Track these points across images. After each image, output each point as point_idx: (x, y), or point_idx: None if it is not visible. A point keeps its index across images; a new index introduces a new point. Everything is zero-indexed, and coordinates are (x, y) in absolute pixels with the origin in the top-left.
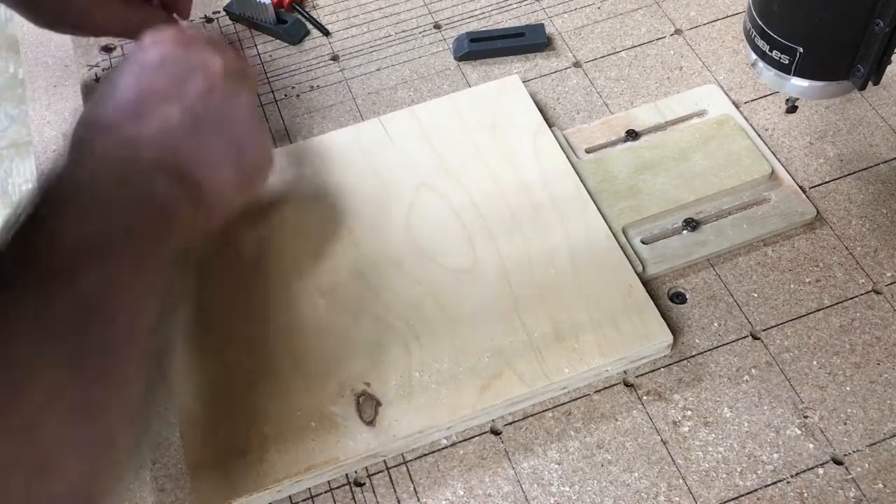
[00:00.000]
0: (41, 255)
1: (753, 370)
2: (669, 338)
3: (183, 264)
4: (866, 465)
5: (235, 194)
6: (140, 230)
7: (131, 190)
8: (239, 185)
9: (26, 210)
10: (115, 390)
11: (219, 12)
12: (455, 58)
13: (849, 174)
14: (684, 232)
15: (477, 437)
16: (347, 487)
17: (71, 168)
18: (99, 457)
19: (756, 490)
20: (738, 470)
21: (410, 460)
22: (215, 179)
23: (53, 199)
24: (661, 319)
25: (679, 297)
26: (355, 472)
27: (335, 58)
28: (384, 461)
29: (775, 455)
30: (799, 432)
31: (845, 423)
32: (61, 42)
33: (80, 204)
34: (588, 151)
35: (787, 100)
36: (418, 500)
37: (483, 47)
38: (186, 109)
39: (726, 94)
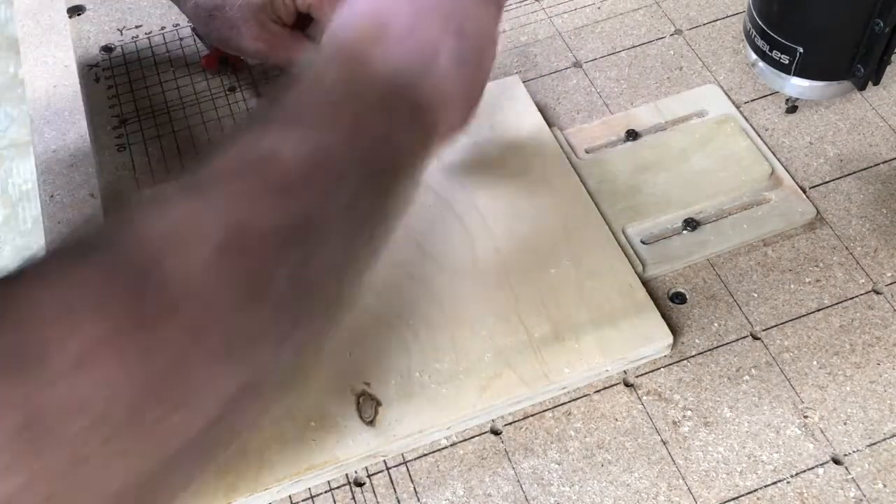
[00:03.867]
0: (258, 167)
1: (753, 370)
2: (669, 338)
3: (398, 202)
4: (866, 465)
5: (461, 131)
6: (366, 156)
7: (364, 112)
8: (467, 122)
9: (251, 123)
10: (299, 316)
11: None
12: None
13: (849, 174)
14: (684, 232)
15: (477, 437)
16: (347, 487)
17: (309, 86)
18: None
19: (756, 490)
20: (738, 470)
21: (410, 460)
22: (451, 123)
23: (283, 114)
24: (661, 319)
25: (679, 297)
26: (355, 472)
27: None
28: (384, 461)
29: (775, 455)
30: (799, 432)
31: (845, 423)
32: (61, 42)
33: (308, 123)
34: (588, 151)
35: (787, 100)
36: (418, 500)
37: None
38: (459, 48)
39: (726, 94)
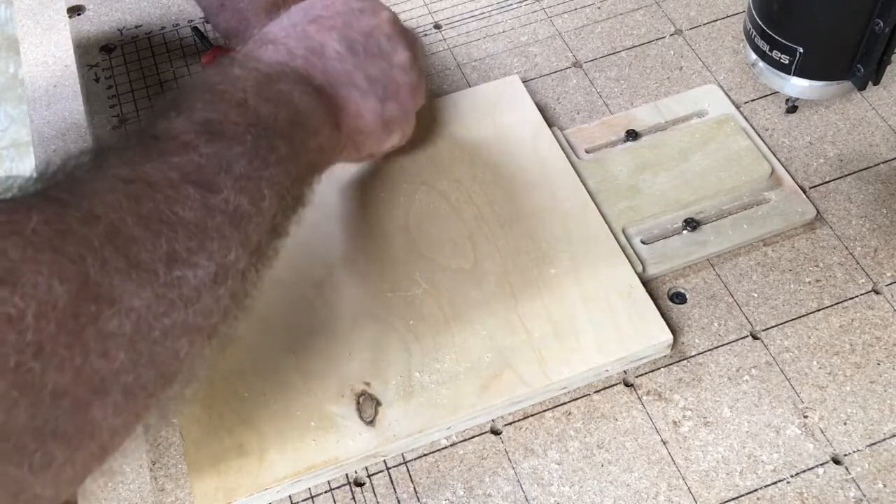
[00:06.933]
0: (165, 128)
1: (753, 370)
2: (669, 338)
3: (306, 182)
4: (866, 465)
5: (375, 133)
6: (268, 123)
7: (270, 89)
8: (380, 125)
9: (173, 95)
10: (193, 262)
11: None
12: None
13: (849, 174)
14: (684, 232)
15: (477, 437)
16: (347, 487)
17: (226, 68)
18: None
19: (756, 490)
20: (738, 470)
21: (410, 460)
22: (356, 108)
23: (196, 88)
24: (661, 319)
25: (679, 297)
26: (355, 472)
27: None
28: (384, 461)
29: (775, 455)
30: (799, 432)
31: (845, 423)
32: (61, 42)
33: (218, 93)
34: (588, 151)
35: (787, 100)
36: (418, 500)
37: None
38: (345, 39)
39: (726, 94)
